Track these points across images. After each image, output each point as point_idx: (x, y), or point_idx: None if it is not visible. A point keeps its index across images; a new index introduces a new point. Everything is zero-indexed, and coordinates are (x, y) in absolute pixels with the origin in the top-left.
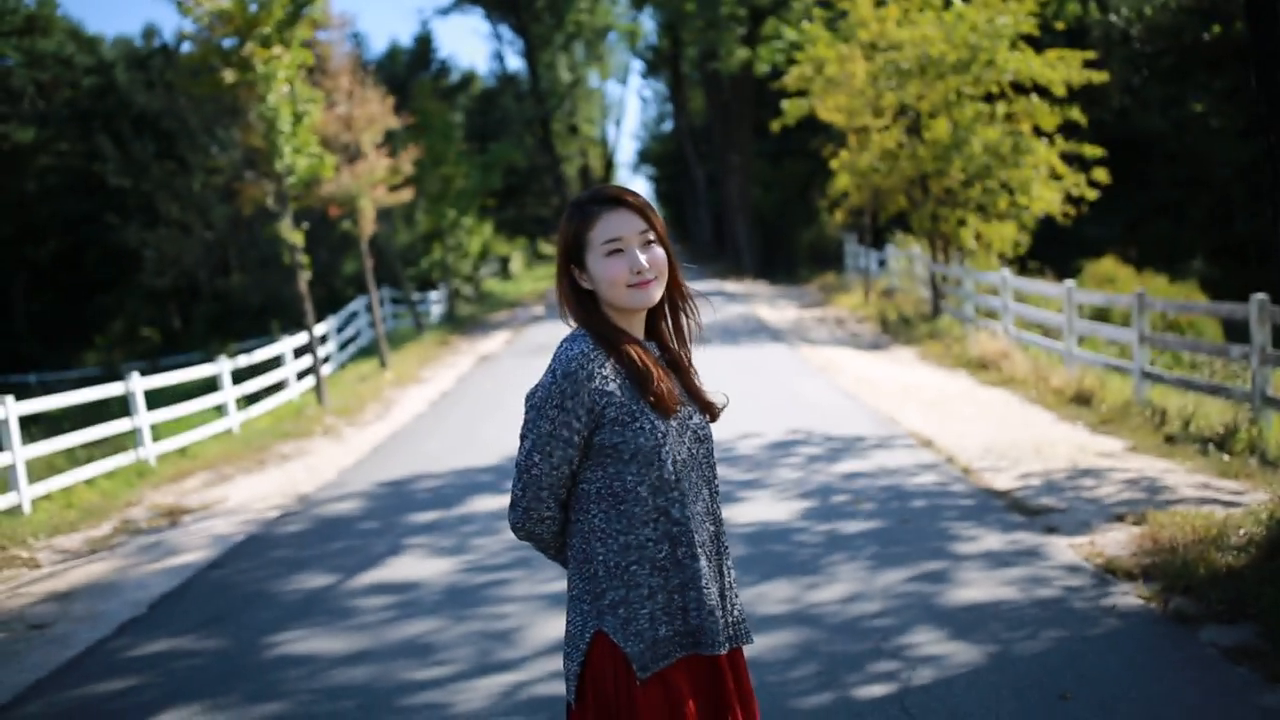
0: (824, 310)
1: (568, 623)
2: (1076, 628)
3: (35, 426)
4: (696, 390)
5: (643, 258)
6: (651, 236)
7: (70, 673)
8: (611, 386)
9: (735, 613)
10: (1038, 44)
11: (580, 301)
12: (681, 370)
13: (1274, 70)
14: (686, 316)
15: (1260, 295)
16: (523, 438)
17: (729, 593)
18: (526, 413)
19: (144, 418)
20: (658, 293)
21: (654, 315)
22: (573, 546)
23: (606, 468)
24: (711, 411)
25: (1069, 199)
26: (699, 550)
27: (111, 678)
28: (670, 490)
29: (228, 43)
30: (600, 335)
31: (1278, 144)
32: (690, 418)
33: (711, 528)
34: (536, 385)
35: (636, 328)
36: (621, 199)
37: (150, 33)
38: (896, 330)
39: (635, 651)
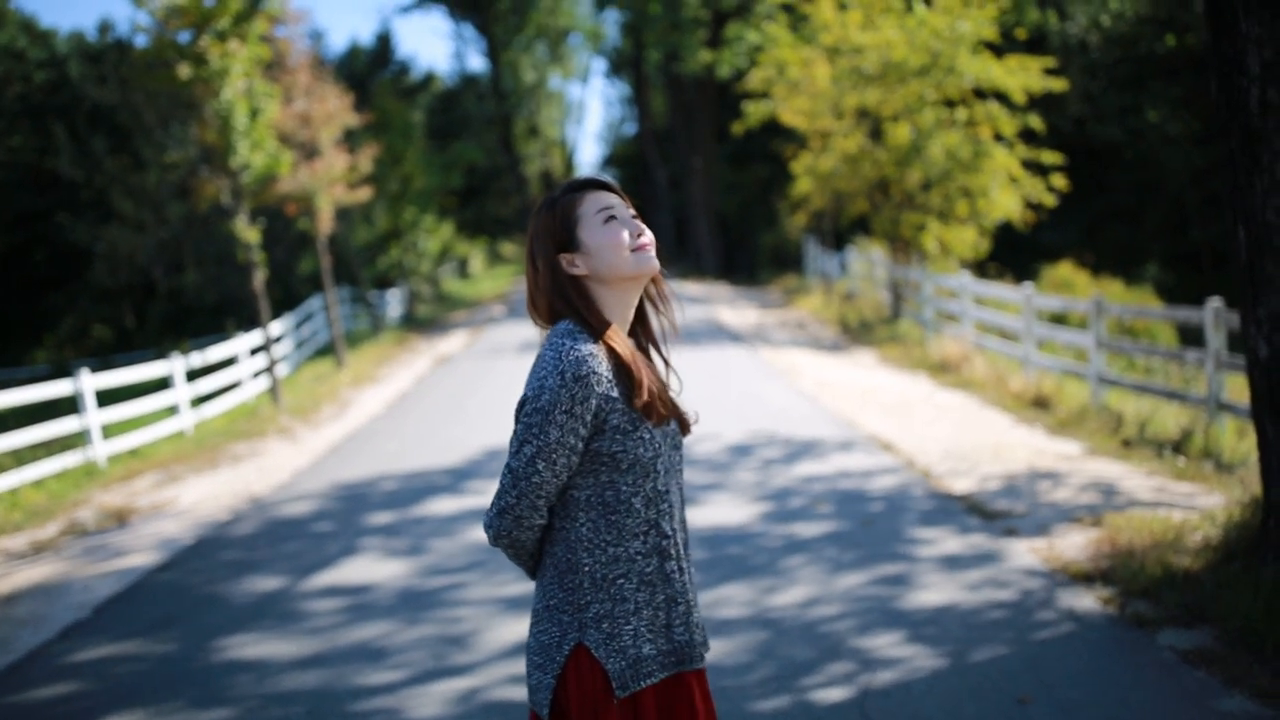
0: (785, 312)
1: (538, 632)
2: (1035, 631)
3: None
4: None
5: (638, 224)
6: (634, 212)
7: (11, 678)
8: (615, 391)
9: (701, 622)
10: (998, 51)
11: (574, 290)
12: (657, 372)
13: (1234, 76)
14: (658, 313)
15: (1216, 301)
16: (522, 443)
17: (696, 601)
18: (528, 417)
19: (94, 417)
20: (656, 261)
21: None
22: (554, 555)
23: (599, 475)
24: (684, 423)
25: (1028, 204)
26: (685, 564)
27: (53, 683)
28: (661, 502)
29: (183, 36)
30: (594, 330)
31: (1237, 149)
32: (669, 424)
33: (683, 534)
34: (539, 388)
35: (628, 316)
36: (600, 181)
37: (105, 27)
38: (857, 333)
39: (616, 669)
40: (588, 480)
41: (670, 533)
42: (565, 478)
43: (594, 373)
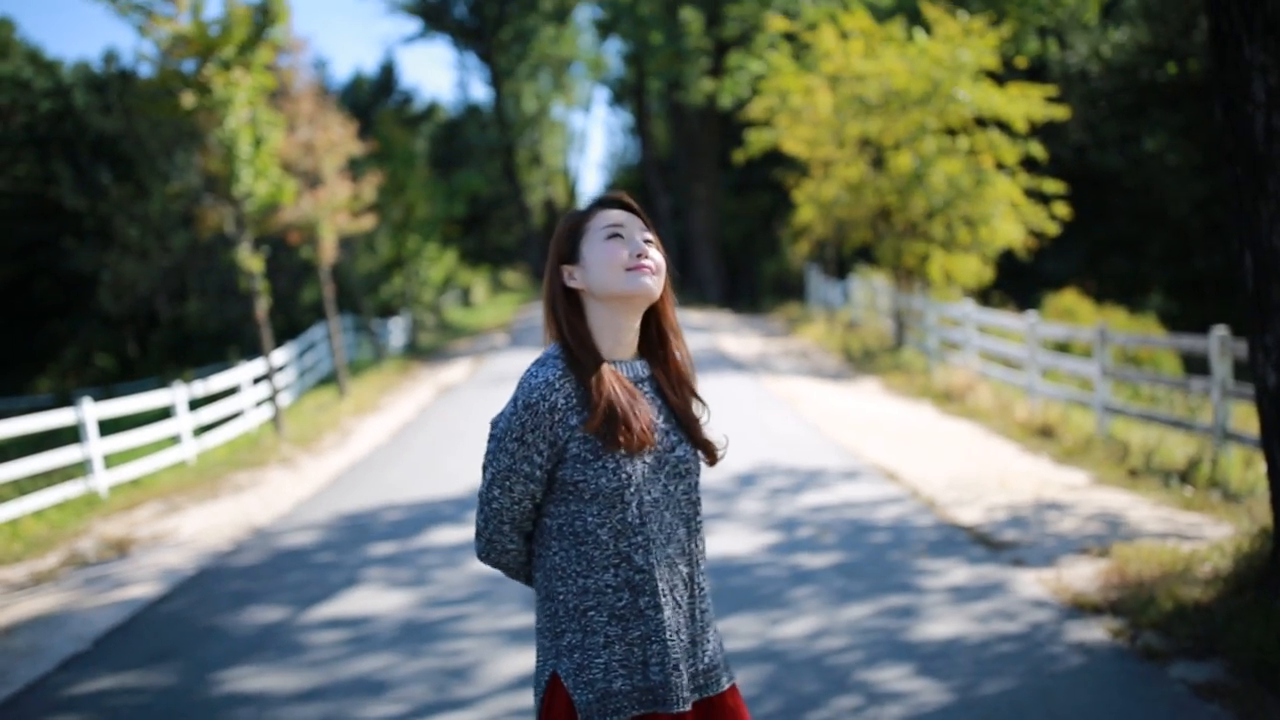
0: (788, 341)
1: (536, 656)
2: (1045, 664)
3: None
4: (690, 422)
5: (644, 246)
6: (650, 237)
7: (8, 711)
8: (575, 420)
9: (706, 659)
10: (999, 80)
11: (568, 307)
12: (672, 398)
13: (1239, 102)
14: (677, 340)
15: (1220, 329)
16: (484, 469)
17: (701, 637)
18: (487, 442)
19: (95, 446)
20: (656, 287)
21: (643, 339)
22: (538, 581)
23: (569, 504)
24: (708, 450)
25: (1030, 232)
26: (663, 600)
27: (51, 716)
28: (634, 535)
29: (187, 66)
30: (573, 353)
31: (1243, 176)
32: (673, 449)
33: (686, 569)
34: (499, 414)
35: (625, 339)
36: (622, 200)
37: (110, 57)
38: (860, 362)
39: (583, 701)
40: (559, 509)
41: (645, 567)
42: (528, 505)
43: (544, 400)
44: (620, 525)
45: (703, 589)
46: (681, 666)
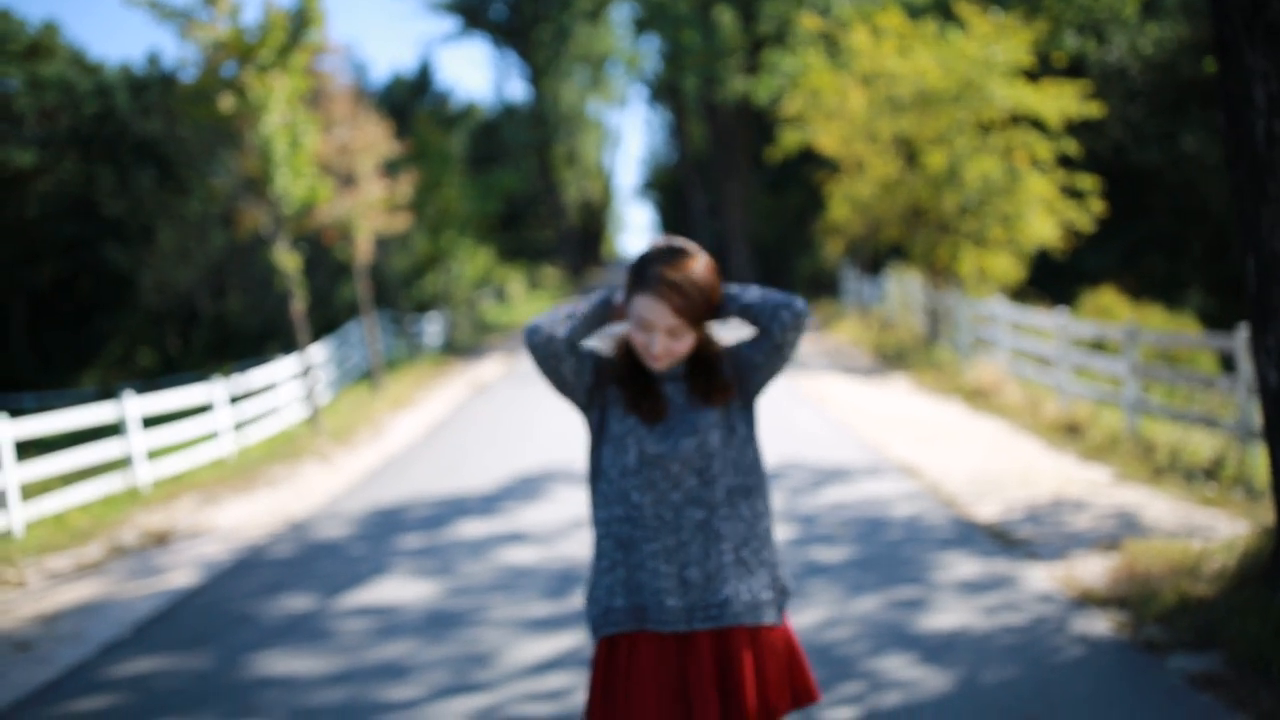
0: (821, 338)
1: None
2: (1047, 655)
3: (34, 449)
4: (704, 389)
5: (660, 346)
6: (672, 323)
7: (51, 692)
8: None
9: (721, 595)
10: (1035, 77)
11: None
12: (698, 388)
13: (1241, 108)
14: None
15: (1247, 328)
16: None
17: (718, 575)
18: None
19: (138, 441)
20: (669, 364)
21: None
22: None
23: (601, 446)
24: (712, 395)
25: (1066, 230)
26: (653, 534)
27: (91, 696)
28: (632, 476)
29: (227, 69)
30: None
31: (1245, 181)
32: (685, 414)
33: (700, 514)
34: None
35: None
36: (660, 290)
37: (153, 59)
38: (892, 359)
39: (591, 614)
40: (597, 451)
41: (639, 504)
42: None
43: (613, 341)
44: (624, 467)
45: (719, 533)
46: (670, 594)
